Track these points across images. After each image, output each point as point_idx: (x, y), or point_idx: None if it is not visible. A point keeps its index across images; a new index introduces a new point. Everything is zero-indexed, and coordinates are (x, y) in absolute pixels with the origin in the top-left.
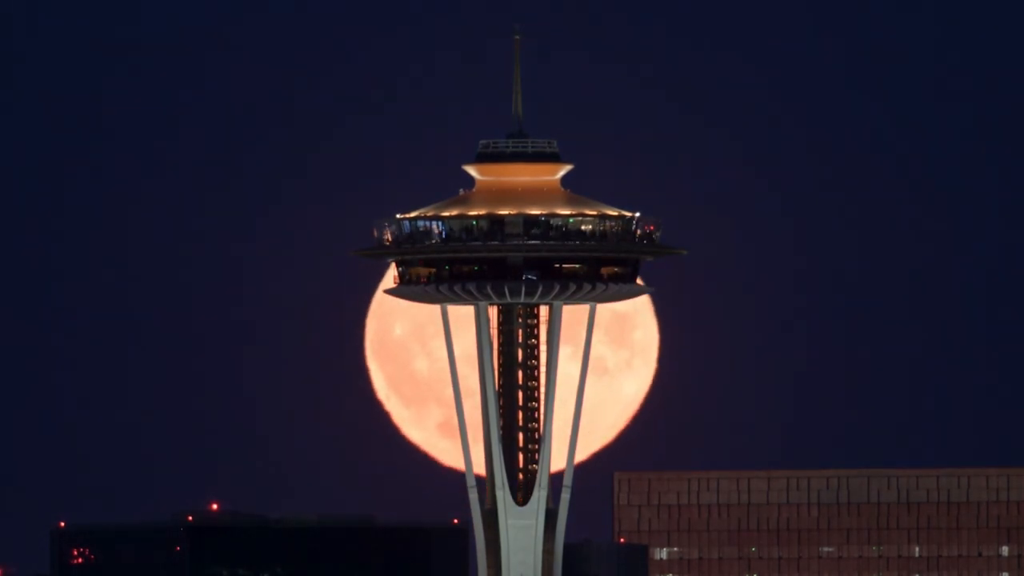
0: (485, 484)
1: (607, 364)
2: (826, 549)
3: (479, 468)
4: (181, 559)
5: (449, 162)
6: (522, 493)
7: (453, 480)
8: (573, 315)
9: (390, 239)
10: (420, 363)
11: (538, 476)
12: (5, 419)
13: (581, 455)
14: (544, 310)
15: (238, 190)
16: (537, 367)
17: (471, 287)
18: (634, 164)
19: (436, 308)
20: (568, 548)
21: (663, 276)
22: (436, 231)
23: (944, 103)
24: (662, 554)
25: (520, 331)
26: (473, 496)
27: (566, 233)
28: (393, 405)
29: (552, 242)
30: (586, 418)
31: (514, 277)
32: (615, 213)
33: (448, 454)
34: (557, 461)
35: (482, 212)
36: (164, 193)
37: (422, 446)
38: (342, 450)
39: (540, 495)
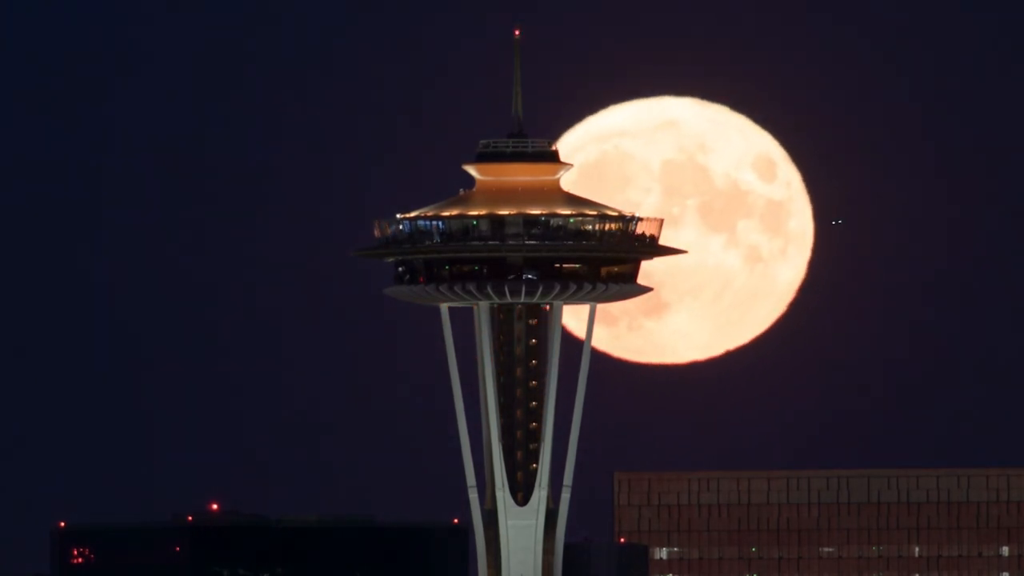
0: (485, 484)
1: (761, 253)
2: (826, 549)
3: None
4: (181, 559)
5: (449, 162)
6: (522, 493)
7: (453, 480)
8: (730, 204)
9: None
10: None
11: (538, 476)
12: (5, 419)
13: None
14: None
15: (238, 190)
16: (537, 366)
17: (471, 287)
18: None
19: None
20: (568, 548)
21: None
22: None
23: None
24: (662, 554)
25: (520, 331)
26: (473, 496)
27: (566, 233)
28: None
29: (552, 242)
30: (739, 309)
31: (514, 277)
32: (615, 213)
33: (603, 340)
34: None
35: (482, 212)
36: (163, 192)
37: (577, 333)
38: (342, 450)
39: (540, 495)
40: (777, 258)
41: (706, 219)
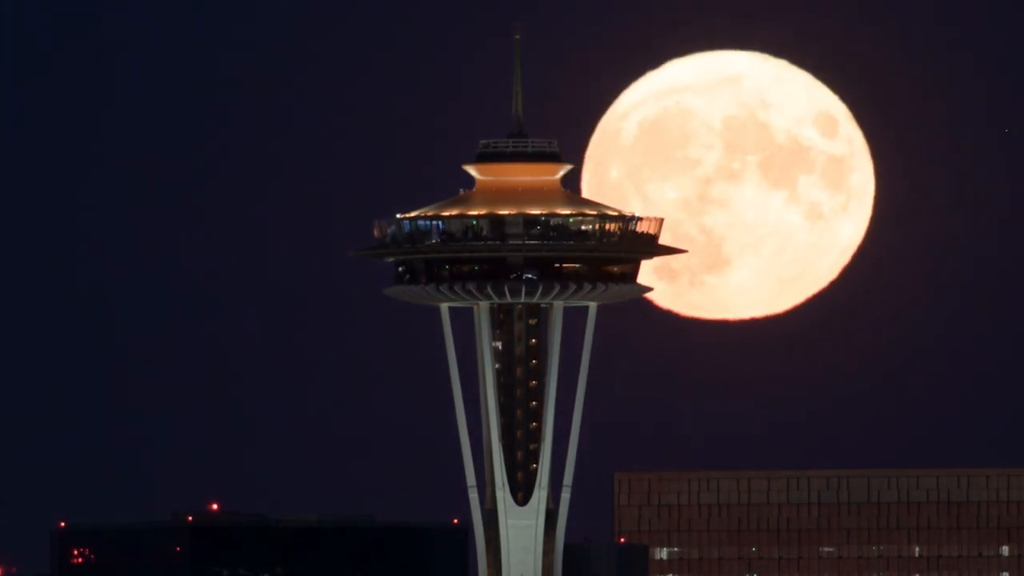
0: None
1: (822, 209)
2: (826, 549)
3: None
4: (181, 559)
5: (449, 162)
6: (522, 493)
7: (453, 480)
8: (791, 160)
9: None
10: (636, 207)
11: (538, 476)
12: (5, 419)
13: None
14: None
15: (238, 190)
16: (537, 366)
17: (471, 287)
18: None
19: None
20: (568, 548)
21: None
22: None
23: None
24: (662, 554)
25: (520, 331)
26: (473, 496)
27: (566, 233)
28: None
29: (552, 242)
30: (800, 264)
31: (514, 277)
32: (615, 213)
33: (663, 295)
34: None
35: (482, 212)
36: (162, 192)
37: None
38: (342, 450)
39: (540, 495)
40: (838, 214)
41: (767, 175)
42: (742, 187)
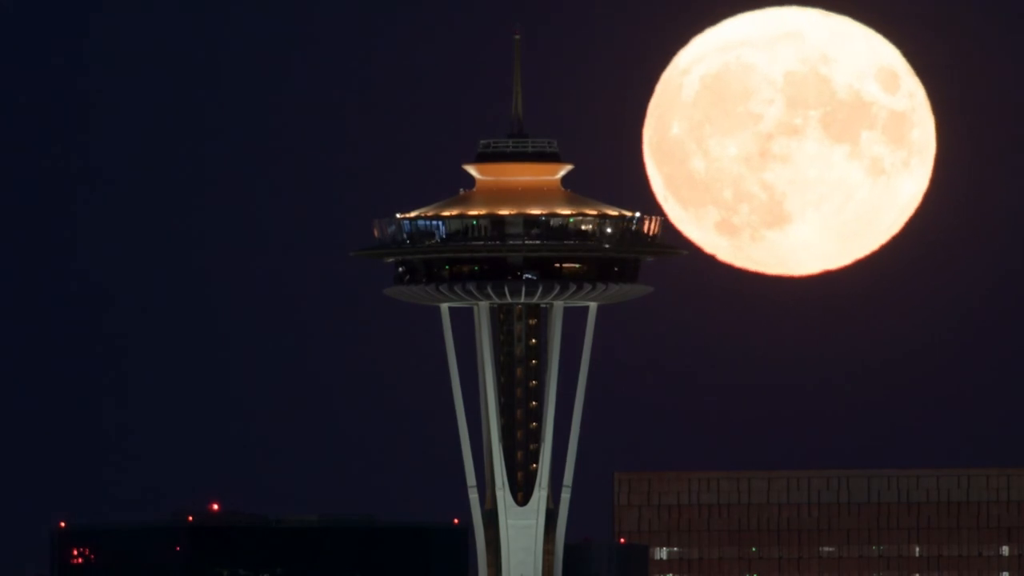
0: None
1: (884, 164)
2: (826, 549)
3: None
4: (181, 559)
5: (449, 162)
6: (522, 493)
7: (453, 480)
8: (852, 115)
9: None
10: (697, 163)
11: (538, 476)
12: (5, 419)
13: None
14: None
15: (238, 190)
16: (537, 366)
17: (471, 287)
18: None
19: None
20: (568, 548)
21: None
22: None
23: None
24: (662, 554)
25: (520, 330)
26: (473, 496)
27: (566, 233)
28: (671, 206)
29: (552, 242)
30: (861, 221)
31: (514, 277)
32: (615, 213)
33: (725, 251)
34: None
35: (482, 212)
36: (162, 191)
37: (700, 245)
38: (342, 450)
39: (540, 495)
40: (900, 170)
41: (829, 130)
42: (804, 142)
